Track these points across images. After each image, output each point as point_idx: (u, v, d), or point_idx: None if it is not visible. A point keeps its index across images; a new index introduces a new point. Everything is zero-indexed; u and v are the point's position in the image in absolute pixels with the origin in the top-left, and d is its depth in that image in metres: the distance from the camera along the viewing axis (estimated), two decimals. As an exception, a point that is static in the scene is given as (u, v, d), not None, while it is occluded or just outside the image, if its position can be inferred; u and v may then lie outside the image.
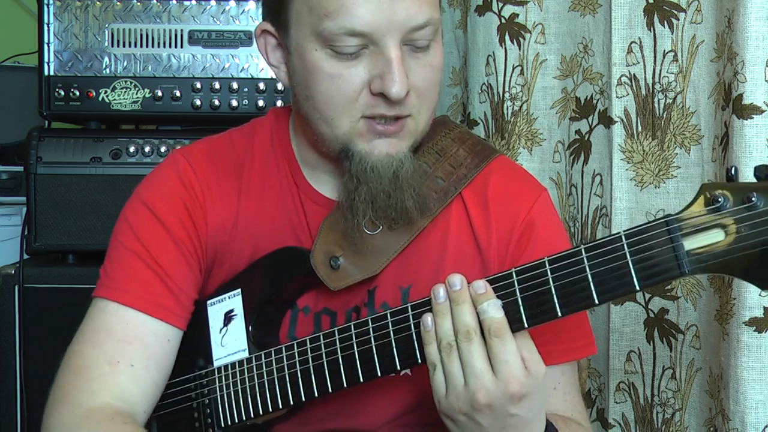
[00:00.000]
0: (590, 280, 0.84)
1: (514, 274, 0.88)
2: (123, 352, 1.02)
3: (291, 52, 1.02)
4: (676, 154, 1.46)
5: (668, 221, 0.81)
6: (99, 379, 1.01)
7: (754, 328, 1.26)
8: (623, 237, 0.83)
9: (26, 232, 1.75)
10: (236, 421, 1.04)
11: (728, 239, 0.79)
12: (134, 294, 1.04)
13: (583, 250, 0.85)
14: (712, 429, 1.39)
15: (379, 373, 0.94)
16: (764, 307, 1.25)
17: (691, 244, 0.80)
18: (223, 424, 1.05)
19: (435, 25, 0.98)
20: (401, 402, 1.08)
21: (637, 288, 0.83)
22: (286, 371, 1.00)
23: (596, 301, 0.84)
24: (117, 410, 1.00)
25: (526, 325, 0.87)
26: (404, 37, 0.96)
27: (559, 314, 0.86)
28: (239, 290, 1.07)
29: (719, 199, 0.79)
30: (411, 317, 0.92)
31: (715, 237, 0.80)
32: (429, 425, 1.04)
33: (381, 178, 0.99)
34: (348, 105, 0.98)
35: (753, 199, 0.78)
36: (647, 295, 1.51)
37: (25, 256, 1.76)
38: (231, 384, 1.05)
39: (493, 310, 0.86)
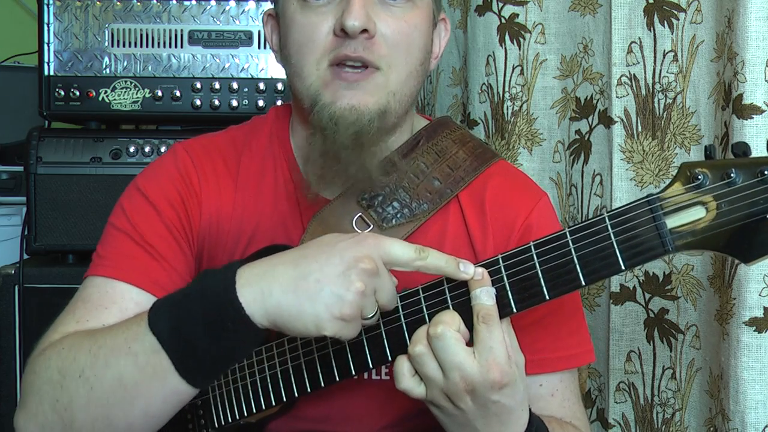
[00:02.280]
0: (576, 262, 0.85)
1: (500, 260, 0.88)
2: (95, 314, 1.00)
3: (279, 19, 1.05)
4: (676, 154, 1.46)
5: (650, 200, 0.83)
6: (64, 330, 0.99)
7: (754, 328, 1.26)
8: (607, 218, 0.84)
9: (26, 232, 1.75)
10: (229, 420, 1.04)
11: (709, 215, 0.80)
12: (119, 267, 1.03)
13: (567, 233, 0.86)
14: (712, 429, 1.39)
15: (370, 365, 0.94)
16: (764, 307, 1.25)
17: (673, 222, 0.82)
18: (216, 424, 1.05)
19: None
20: (400, 408, 1.08)
21: (623, 268, 0.84)
22: (278, 368, 0.99)
23: (583, 283, 0.85)
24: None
25: (514, 310, 0.88)
26: None
27: (547, 297, 0.86)
28: None
29: (699, 177, 0.81)
30: (400, 308, 0.92)
31: (696, 214, 0.81)
32: (431, 428, 1.04)
33: (339, 131, 0.98)
34: (315, 51, 0.99)
35: (732, 175, 0.79)
36: (647, 295, 1.51)
37: (25, 256, 1.76)
38: (223, 383, 1.04)
39: (485, 296, 0.87)
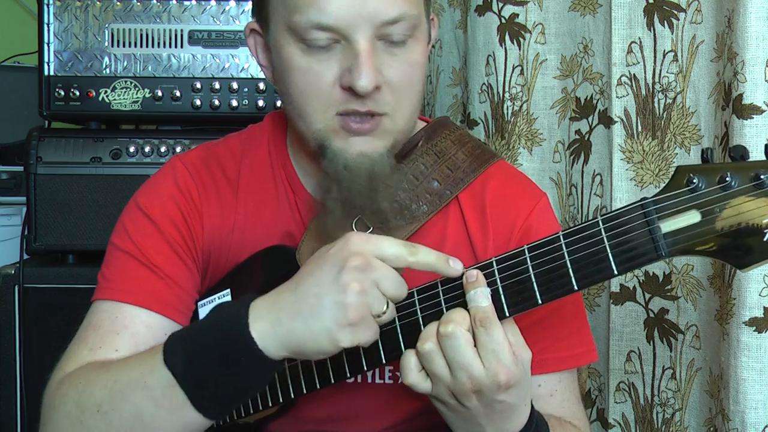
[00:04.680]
0: (569, 266, 0.84)
1: (494, 263, 0.88)
2: (107, 340, 1.00)
3: (271, 49, 1.03)
4: (676, 154, 1.46)
5: (644, 204, 0.81)
6: (78, 359, 0.99)
7: (754, 328, 1.26)
8: (600, 222, 0.83)
9: (26, 232, 1.75)
10: (227, 420, 1.04)
11: (704, 220, 0.79)
12: (127, 290, 1.03)
13: (561, 237, 0.85)
14: (712, 429, 1.39)
15: (365, 367, 0.94)
16: (764, 307, 1.25)
17: (667, 226, 0.80)
18: (214, 424, 1.05)
19: (411, 20, 0.97)
20: (401, 410, 1.08)
21: (615, 272, 0.82)
22: None
23: (575, 288, 0.84)
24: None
25: (507, 314, 0.87)
26: (376, 31, 0.95)
27: (539, 302, 0.86)
28: (228, 290, 1.07)
29: (694, 181, 0.79)
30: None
31: (691, 219, 0.79)
32: (432, 428, 1.04)
33: (354, 177, 0.98)
34: (321, 100, 0.97)
35: (727, 179, 0.78)
36: (647, 295, 1.51)
37: (25, 256, 1.76)
38: None
39: (480, 298, 0.86)
